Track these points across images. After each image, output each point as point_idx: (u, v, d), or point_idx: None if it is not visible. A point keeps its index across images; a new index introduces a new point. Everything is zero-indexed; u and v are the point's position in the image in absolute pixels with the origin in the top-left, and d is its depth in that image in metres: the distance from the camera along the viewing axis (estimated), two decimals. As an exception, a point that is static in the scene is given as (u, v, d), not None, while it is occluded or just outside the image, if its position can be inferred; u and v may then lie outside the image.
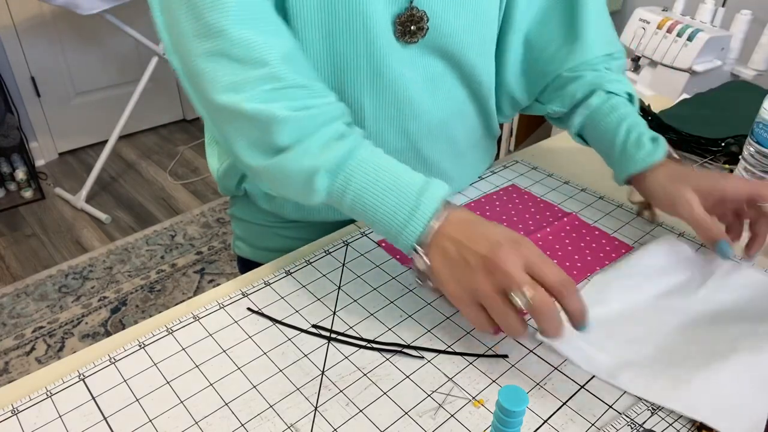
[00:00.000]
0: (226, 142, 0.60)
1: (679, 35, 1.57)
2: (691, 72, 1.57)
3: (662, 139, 0.69)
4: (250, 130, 0.57)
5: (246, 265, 0.87)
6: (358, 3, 0.60)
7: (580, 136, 0.78)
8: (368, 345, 0.58)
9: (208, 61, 0.56)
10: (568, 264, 0.68)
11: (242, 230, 0.85)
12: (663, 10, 1.70)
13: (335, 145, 0.56)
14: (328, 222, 0.78)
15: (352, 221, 0.76)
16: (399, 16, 0.63)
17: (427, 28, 0.65)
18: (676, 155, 0.69)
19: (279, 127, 0.55)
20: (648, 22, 1.66)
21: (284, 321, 0.61)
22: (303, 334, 0.59)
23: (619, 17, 2.20)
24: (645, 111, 0.86)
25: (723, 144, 0.79)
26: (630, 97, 0.74)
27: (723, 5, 1.70)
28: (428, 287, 0.57)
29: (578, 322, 0.52)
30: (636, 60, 1.76)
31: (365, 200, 0.56)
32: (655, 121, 0.85)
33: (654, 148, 0.68)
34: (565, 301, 0.51)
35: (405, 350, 0.57)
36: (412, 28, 0.64)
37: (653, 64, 1.67)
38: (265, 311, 0.62)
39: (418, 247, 0.55)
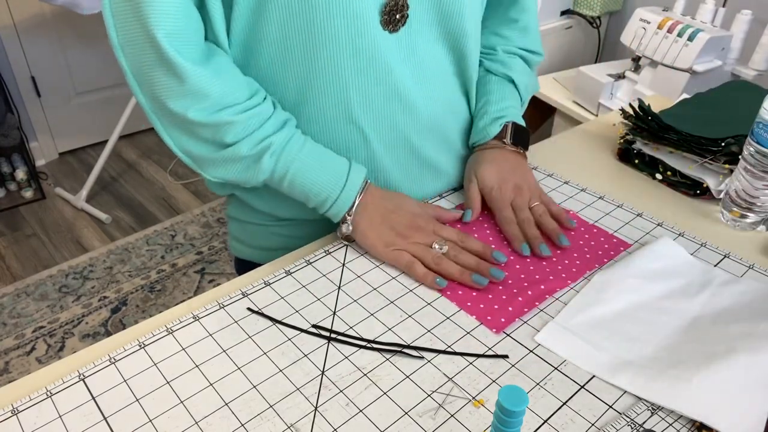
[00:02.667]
0: (170, 138, 0.67)
1: (679, 35, 1.57)
2: (692, 72, 1.57)
3: (499, 122, 0.78)
4: (201, 131, 0.65)
5: (243, 266, 0.87)
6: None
7: None
8: (368, 345, 0.58)
9: (155, 68, 0.61)
10: (567, 262, 0.68)
11: (238, 230, 0.85)
12: (663, 10, 1.70)
13: (278, 134, 0.66)
14: (323, 220, 0.78)
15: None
16: (385, 5, 0.64)
17: (407, 16, 0.66)
18: (508, 140, 0.78)
19: (227, 129, 0.64)
20: (648, 22, 1.66)
21: (284, 321, 0.61)
22: (303, 334, 0.59)
23: (619, 17, 2.20)
24: (645, 111, 0.86)
25: (723, 144, 0.78)
26: (508, 78, 0.81)
27: (723, 5, 1.70)
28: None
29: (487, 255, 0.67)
30: (636, 60, 1.76)
31: (299, 178, 0.67)
32: (655, 121, 0.85)
33: (480, 133, 0.79)
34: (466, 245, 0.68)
35: (405, 350, 0.57)
36: (397, 16, 0.65)
37: (653, 64, 1.67)
38: (265, 311, 0.62)
39: (348, 216, 0.68)
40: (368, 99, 0.69)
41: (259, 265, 0.76)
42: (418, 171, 0.77)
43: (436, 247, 0.66)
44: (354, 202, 0.68)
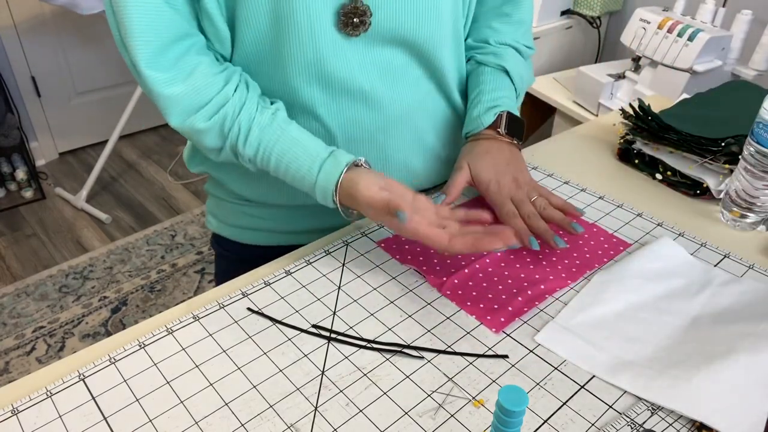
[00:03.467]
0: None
1: (679, 35, 1.57)
2: (692, 72, 1.57)
3: (494, 111, 0.75)
4: (188, 136, 0.68)
5: (218, 242, 0.90)
6: None
7: None
8: (368, 345, 0.58)
9: (148, 68, 0.62)
10: (566, 262, 0.68)
11: (213, 205, 0.88)
12: (663, 10, 1.70)
13: (258, 118, 0.66)
14: (287, 206, 0.80)
15: (344, 222, 0.76)
16: (343, 6, 0.65)
17: (370, 23, 0.66)
18: (502, 129, 0.75)
19: (203, 137, 0.66)
20: (648, 22, 1.66)
21: (284, 321, 0.61)
22: (303, 334, 0.59)
23: (619, 17, 2.20)
24: (645, 111, 0.86)
25: (723, 144, 0.78)
26: (503, 68, 0.79)
27: (723, 5, 1.70)
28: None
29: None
30: (636, 60, 1.76)
31: (285, 159, 0.66)
32: (655, 121, 0.85)
33: (474, 122, 0.76)
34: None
35: (405, 350, 0.57)
36: (354, 20, 0.65)
37: (653, 64, 1.67)
38: (265, 311, 0.62)
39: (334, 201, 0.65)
40: (330, 96, 0.70)
41: (235, 242, 0.81)
42: (384, 168, 0.77)
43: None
44: (338, 181, 0.64)
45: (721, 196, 0.78)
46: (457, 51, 0.77)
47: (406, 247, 0.71)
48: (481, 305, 0.62)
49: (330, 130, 0.72)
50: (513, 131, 0.76)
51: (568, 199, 0.80)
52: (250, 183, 0.77)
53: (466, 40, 0.80)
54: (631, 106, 0.88)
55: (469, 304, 0.63)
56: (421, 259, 0.69)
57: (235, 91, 0.66)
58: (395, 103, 0.73)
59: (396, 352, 0.57)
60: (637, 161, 0.88)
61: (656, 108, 0.88)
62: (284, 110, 0.68)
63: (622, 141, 0.90)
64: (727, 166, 0.79)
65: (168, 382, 0.54)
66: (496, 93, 0.77)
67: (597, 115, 1.78)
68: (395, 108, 0.73)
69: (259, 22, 0.64)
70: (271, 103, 0.68)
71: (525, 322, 0.61)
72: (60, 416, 0.51)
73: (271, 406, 0.52)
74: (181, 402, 0.52)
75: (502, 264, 0.68)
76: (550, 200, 0.71)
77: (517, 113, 0.79)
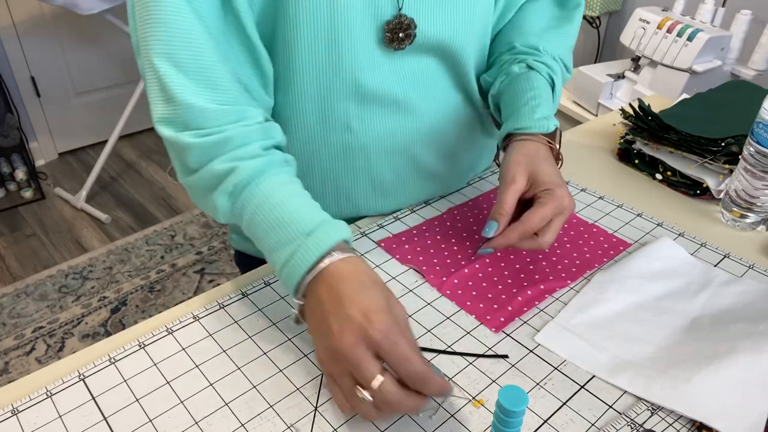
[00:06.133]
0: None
1: (679, 35, 1.57)
2: (691, 72, 1.57)
3: (554, 123, 0.67)
4: (171, 150, 0.60)
5: (241, 258, 0.87)
6: (343, 10, 0.60)
7: (498, 107, 0.76)
8: (368, 345, 0.58)
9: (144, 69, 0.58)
10: (566, 262, 0.68)
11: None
12: (663, 10, 1.70)
13: (240, 168, 0.56)
14: None
15: (351, 218, 0.76)
16: (388, 23, 0.63)
17: (415, 35, 0.65)
18: (556, 146, 0.67)
19: (188, 152, 0.57)
20: (648, 22, 1.66)
21: (284, 321, 0.60)
22: (303, 334, 0.59)
23: (619, 17, 2.20)
24: (645, 111, 0.86)
25: (723, 144, 0.78)
26: (551, 81, 0.74)
27: (723, 5, 1.70)
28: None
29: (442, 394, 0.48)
30: (636, 60, 1.76)
31: (254, 230, 0.56)
32: (655, 121, 0.85)
33: (538, 122, 0.66)
34: (424, 391, 0.47)
35: (405, 350, 0.57)
36: (400, 35, 0.64)
37: (653, 64, 1.67)
38: (266, 311, 0.62)
39: (296, 290, 0.52)
40: (365, 109, 0.68)
41: (257, 257, 0.75)
42: (413, 176, 0.76)
43: (359, 394, 0.46)
44: (303, 278, 0.51)
45: (721, 196, 0.79)
46: (480, 60, 0.77)
47: (406, 246, 0.71)
48: (481, 305, 0.62)
49: (364, 143, 0.70)
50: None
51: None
52: None
53: (513, 47, 0.76)
54: (631, 106, 0.89)
55: (469, 304, 0.63)
56: (421, 258, 0.69)
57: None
58: (427, 112, 0.72)
59: (396, 352, 0.57)
60: (637, 161, 0.88)
61: (656, 108, 0.88)
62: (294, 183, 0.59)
63: (622, 141, 0.90)
64: (727, 166, 0.79)
65: (168, 382, 0.54)
66: (549, 104, 0.71)
67: (596, 115, 1.78)
68: (427, 118, 0.73)
69: (308, 43, 0.61)
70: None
71: (525, 322, 0.61)
72: (60, 416, 0.51)
73: (271, 406, 0.52)
74: (181, 402, 0.52)
75: (502, 264, 0.68)
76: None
77: None
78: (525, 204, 0.64)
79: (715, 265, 0.68)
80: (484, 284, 0.65)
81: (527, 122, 0.67)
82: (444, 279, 0.66)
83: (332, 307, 0.48)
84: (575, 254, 0.70)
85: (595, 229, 0.74)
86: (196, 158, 0.57)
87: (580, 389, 0.54)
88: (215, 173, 0.57)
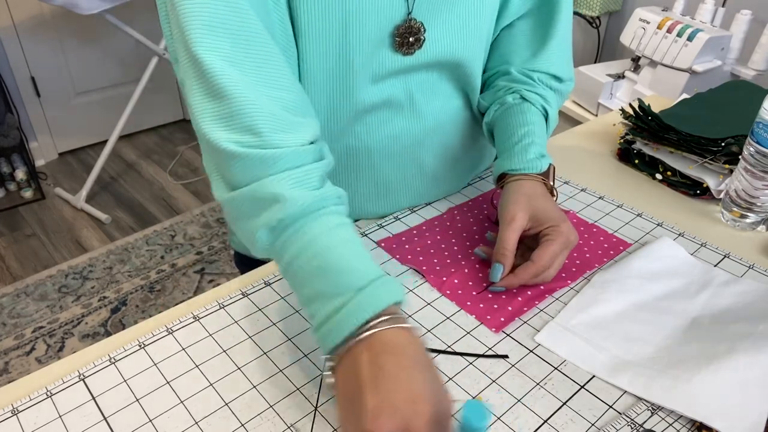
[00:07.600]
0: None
1: (679, 35, 1.57)
2: (691, 72, 1.57)
3: (547, 160, 0.69)
4: (209, 161, 0.54)
5: (241, 259, 0.87)
6: (355, 15, 0.60)
7: (491, 133, 0.76)
8: (368, 345, 0.57)
9: (179, 52, 0.52)
10: (567, 262, 0.68)
11: None
12: (663, 10, 1.70)
13: (288, 201, 0.49)
14: None
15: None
16: (398, 27, 0.63)
17: (424, 39, 0.65)
18: (551, 182, 0.69)
19: (231, 163, 0.50)
20: (648, 22, 1.66)
21: (284, 321, 0.60)
22: (303, 334, 0.59)
23: (619, 17, 2.20)
24: (645, 111, 0.86)
25: (723, 144, 0.79)
26: (545, 113, 0.74)
27: (723, 5, 1.70)
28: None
29: None
30: (636, 60, 1.76)
31: (294, 273, 0.49)
32: (655, 121, 0.85)
33: (531, 162, 0.67)
34: None
35: (405, 350, 0.57)
36: (410, 39, 0.64)
37: (653, 64, 1.67)
38: (265, 311, 0.62)
39: (329, 357, 0.47)
40: (374, 115, 0.68)
41: (257, 259, 0.75)
42: (416, 179, 0.76)
43: None
44: (348, 339, 0.45)
45: (721, 196, 0.79)
46: (483, 64, 0.76)
47: (407, 247, 0.71)
48: (481, 305, 0.62)
49: (368, 146, 0.70)
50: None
51: (568, 199, 0.80)
52: None
53: (508, 73, 0.76)
54: (631, 106, 0.89)
55: (469, 304, 0.63)
56: (421, 258, 0.69)
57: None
58: (431, 115, 0.72)
59: (396, 352, 0.57)
60: (637, 161, 0.88)
61: (656, 108, 0.88)
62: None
63: (622, 141, 0.90)
64: (727, 166, 0.79)
65: (168, 382, 0.54)
66: (543, 140, 0.72)
67: (596, 115, 1.78)
68: (431, 120, 0.73)
69: (308, 43, 0.61)
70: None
71: (525, 322, 0.61)
72: (60, 416, 0.51)
73: (271, 406, 0.52)
74: (181, 402, 0.52)
75: None
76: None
77: None
78: (523, 240, 0.64)
79: (715, 265, 0.68)
80: (485, 284, 0.65)
81: (520, 164, 0.68)
82: (444, 279, 0.66)
83: (370, 382, 0.42)
84: (575, 254, 0.70)
85: (595, 229, 0.74)
86: (239, 172, 0.50)
87: (580, 389, 0.54)
88: (259, 197, 0.50)
